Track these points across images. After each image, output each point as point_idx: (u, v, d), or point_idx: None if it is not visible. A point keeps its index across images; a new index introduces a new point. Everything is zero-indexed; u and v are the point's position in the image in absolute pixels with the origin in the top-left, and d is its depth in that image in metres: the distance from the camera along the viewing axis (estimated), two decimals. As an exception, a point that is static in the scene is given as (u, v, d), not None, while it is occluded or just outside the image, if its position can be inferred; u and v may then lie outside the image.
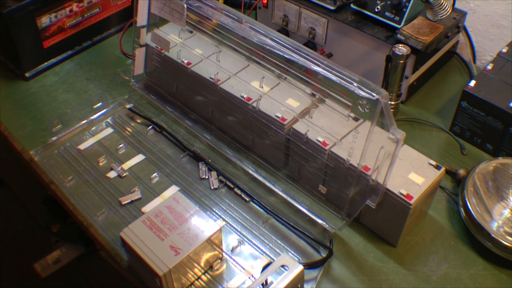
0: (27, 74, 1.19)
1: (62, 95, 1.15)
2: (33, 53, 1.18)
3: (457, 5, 1.13)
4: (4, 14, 1.08)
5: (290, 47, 0.80)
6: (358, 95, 0.73)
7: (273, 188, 0.94)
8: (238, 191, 0.94)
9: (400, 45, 0.96)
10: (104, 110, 1.09)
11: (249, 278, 0.81)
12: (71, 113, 1.08)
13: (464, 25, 1.17)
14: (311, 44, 1.19)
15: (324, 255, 0.85)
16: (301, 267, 0.75)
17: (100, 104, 1.10)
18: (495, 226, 0.84)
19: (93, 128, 1.06)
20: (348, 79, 0.74)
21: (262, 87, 0.95)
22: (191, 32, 1.07)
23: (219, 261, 0.84)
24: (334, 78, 0.75)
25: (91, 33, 1.28)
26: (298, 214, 0.91)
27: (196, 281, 0.81)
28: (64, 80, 1.19)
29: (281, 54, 0.81)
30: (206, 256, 0.81)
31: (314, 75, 0.79)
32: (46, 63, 1.22)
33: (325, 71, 0.76)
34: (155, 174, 0.97)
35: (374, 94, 0.71)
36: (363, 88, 0.72)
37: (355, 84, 0.73)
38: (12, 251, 1.50)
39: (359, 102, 0.73)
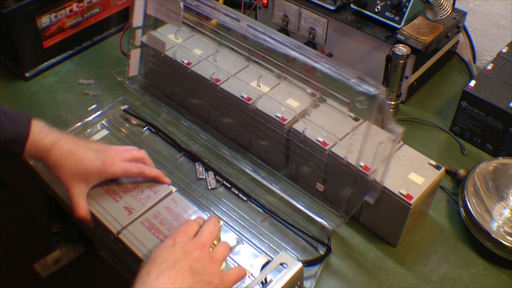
0: (27, 74, 1.19)
1: (62, 95, 1.15)
2: (33, 53, 1.18)
3: (457, 5, 1.13)
4: (4, 14, 1.08)
5: (290, 46, 0.80)
6: (356, 91, 0.73)
7: (271, 187, 0.94)
8: (236, 191, 0.94)
9: (400, 45, 0.95)
10: (99, 112, 1.08)
11: (248, 276, 0.80)
12: (71, 113, 1.08)
13: (464, 25, 1.17)
14: (311, 44, 1.19)
15: (322, 252, 0.85)
16: (300, 265, 0.75)
17: (94, 106, 1.09)
18: (495, 226, 0.84)
19: (88, 130, 1.05)
20: (346, 76, 0.74)
21: (262, 87, 0.95)
22: (190, 33, 1.06)
23: (219, 260, 0.84)
24: (332, 74, 0.75)
25: (91, 33, 1.28)
26: (296, 213, 0.91)
27: (195, 281, 0.81)
28: (64, 80, 1.19)
29: (280, 51, 0.81)
30: (205, 255, 0.81)
31: (313, 72, 0.79)
32: (46, 63, 1.22)
33: (323, 68, 0.76)
34: (154, 174, 0.97)
35: (371, 90, 0.71)
36: (360, 84, 0.72)
37: (353, 80, 0.73)
38: (12, 251, 1.50)
39: (357, 98, 0.73)
